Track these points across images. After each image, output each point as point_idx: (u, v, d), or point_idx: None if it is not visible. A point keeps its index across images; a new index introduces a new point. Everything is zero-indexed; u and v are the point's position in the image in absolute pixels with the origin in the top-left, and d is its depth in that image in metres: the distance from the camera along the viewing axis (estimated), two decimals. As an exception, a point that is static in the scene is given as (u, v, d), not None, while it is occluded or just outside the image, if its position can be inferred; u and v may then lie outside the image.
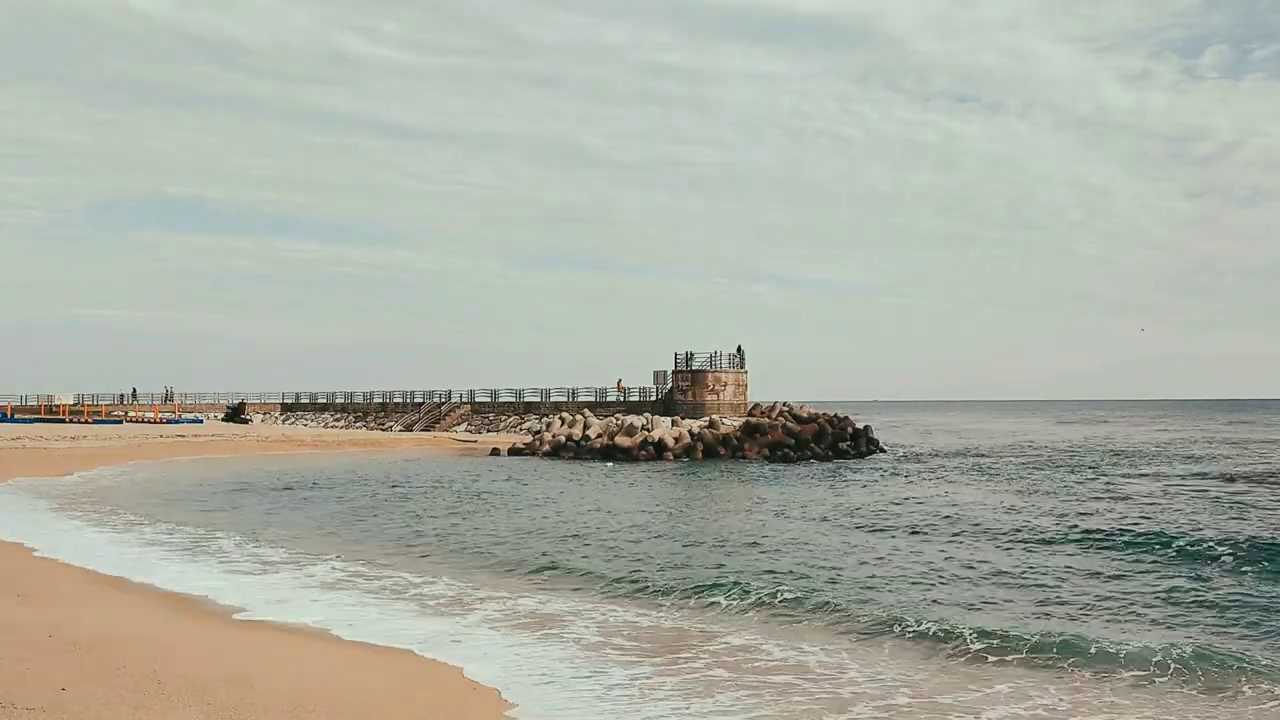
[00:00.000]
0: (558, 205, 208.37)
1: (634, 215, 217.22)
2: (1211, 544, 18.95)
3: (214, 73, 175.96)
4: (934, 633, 12.08)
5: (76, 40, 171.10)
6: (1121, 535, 20.54)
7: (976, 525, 22.56)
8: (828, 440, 49.48)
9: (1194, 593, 14.73)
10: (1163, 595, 14.59)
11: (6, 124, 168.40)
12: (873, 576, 16.10)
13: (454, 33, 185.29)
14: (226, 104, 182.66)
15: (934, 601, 14.15)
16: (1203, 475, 36.36)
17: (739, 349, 56.76)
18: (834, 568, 16.97)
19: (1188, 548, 18.70)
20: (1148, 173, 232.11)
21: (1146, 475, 36.93)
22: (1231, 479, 34.40)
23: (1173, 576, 16.08)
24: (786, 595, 14.29)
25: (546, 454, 49.27)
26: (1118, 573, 16.49)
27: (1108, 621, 12.96)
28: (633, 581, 15.68)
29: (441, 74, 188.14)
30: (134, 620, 12.20)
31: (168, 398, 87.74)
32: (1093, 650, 11.13)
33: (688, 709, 9.22)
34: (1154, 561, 17.60)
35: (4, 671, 8.70)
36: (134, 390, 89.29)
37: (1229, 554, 17.91)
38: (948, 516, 24.18)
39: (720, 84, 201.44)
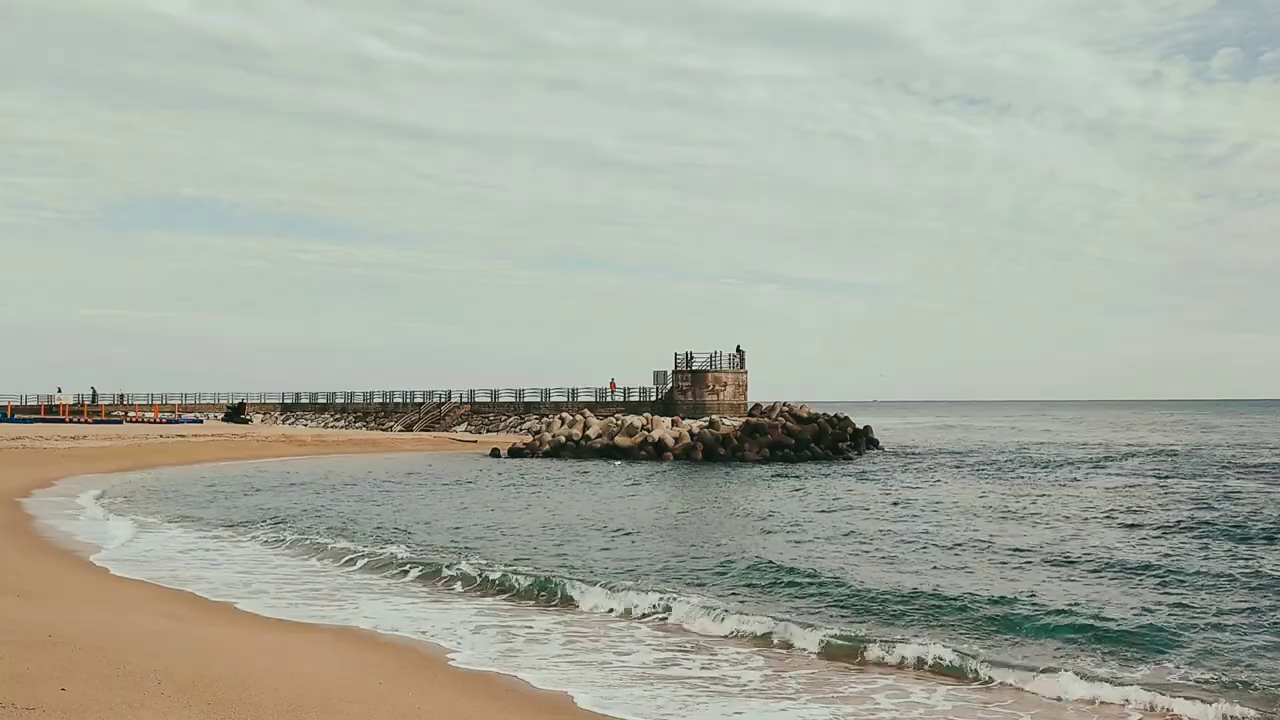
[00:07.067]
0: (570, 207, 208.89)
1: (644, 216, 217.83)
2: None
3: (233, 75, 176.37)
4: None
5: (95, 43, 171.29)
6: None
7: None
8: (827, 440, 49.47)
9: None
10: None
11: (24, 126, 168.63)
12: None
13: (473, 36, 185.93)
14: (245, 106, 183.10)
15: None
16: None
17: (739, 349, 56.80)
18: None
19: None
20: (1156, 174, 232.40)
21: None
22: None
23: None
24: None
25: (546, 454, 49.25)
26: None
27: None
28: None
29: (460, 77, 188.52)
30: (134, 620, 12.19)
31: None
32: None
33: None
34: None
35: (4, 671, 8.67)
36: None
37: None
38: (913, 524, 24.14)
39: (735, 87, 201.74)
